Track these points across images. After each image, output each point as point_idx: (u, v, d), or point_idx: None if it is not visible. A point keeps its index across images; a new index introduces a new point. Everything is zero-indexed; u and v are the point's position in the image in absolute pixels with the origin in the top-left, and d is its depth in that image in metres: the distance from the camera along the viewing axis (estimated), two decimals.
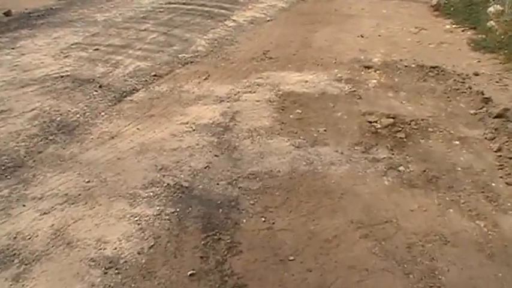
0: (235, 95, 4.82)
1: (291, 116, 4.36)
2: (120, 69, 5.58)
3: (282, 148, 3.85)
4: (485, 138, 4.09)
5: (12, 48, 6.38)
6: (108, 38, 6.79)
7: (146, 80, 5.27)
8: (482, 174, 3.59)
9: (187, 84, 5.12)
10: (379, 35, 7.00)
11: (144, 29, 7.24)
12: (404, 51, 6.25)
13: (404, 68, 5.62)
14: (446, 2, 8.78)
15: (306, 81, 5.10)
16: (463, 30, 7.33)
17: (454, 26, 7.57)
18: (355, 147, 3.90)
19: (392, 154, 3.82)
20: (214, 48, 6.43)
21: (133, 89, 5.05)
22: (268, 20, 7.93)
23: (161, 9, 8.47)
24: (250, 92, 4.87)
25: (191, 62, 5.84)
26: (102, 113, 4.56)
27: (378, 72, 5.45)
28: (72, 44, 6.54)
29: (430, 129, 4.21)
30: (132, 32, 7.08)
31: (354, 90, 4.90)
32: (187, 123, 4.28)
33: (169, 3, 9.00)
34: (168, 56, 6.07)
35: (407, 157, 3.79)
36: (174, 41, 6.66)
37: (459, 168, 3.66)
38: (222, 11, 8.43)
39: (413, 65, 5.69)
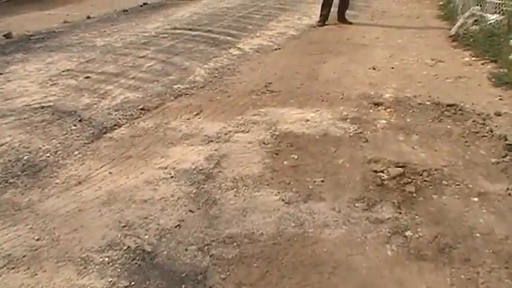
0: (226, 134, 4.22)
1: (285, 163, 3.74)
2: (107, 101, 5.03)
3: (269, 203, 3.23)
4: (509, 194, 3.41)
5: (1, 74, 5.85)
6: (103, 65, 6.25)
7: (132, 114, 4.70)
8: (505, 243, 2.93)
9: (176, 121, 4.53)
10: (393, 67, 6.38)
11: (142, 55, 6.71)
12: (419, 86, 5.61)
13: (418, 105, 4.99)
14: (465, 32, 8.14)
15: (307, 120, 4.50)
16: (483, 63, 6.69)
17: (473, 58, 6.94)
18: (356, 204, 3.27)
19: (399, 213, 3.19)
20: (213, 78, 5.85)
21: (116, 125, 4.48)
22: (276, 49, 7.36)
23: (165, 35, 7.95)
24: (243, 131, 4.27)
25: (185, 94, 5.26)
26: (76, 152, 3.98)
27: (388, 110, 4.82)
28: (63, 71, 6.02)
29: (444, 182, 3.57)
30: (130, 58, 6.55)
31: (360, 132, 4.28)
32: (166, 167, 3.68)
33: (175, 28, 8.50)
34: (161, 86, 5.51)
35: (417, 217, 3.16)
36: (171, 70, 6.10)
37: (478, 234, 3.02)
38: (228, 38, 7.89)
39: (428, 103, 5.06)
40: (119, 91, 5.34)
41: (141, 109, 4.84)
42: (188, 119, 4.60)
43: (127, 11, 10.62)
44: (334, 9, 9.33)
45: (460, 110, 4.91)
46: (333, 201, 3.31)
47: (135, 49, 7.09)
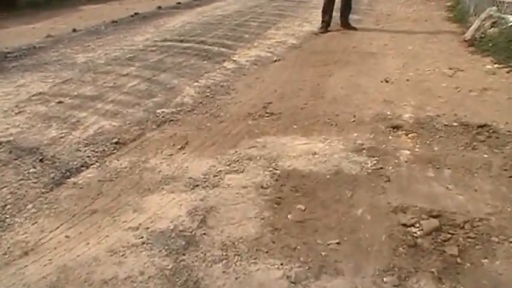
0: (215, 176, 3.32)
1: (289, 217, 2.84)
2: (77, 133, 4.15)
3: (269, 283, 2.29)
4: None
5: None
6: (80, 86, 5.37)
7: (104, 150, 3.81)
8: None
9: (156, 158, 3.64)
10: (408, 79, 5.47)
11: (126, 73, 5.81)
12: (441, 101, 4.71)
13: (444, 128, 4.10)
14: (483, 35, 7.22)
15: (315, 153, 3.60)
16: (508, 72, 5.80)
17: (496, 65, 6.03)
18: (384, 279, 2.38)
19: None
20: (204, 99, 4.95)
21: (83, 165, 3.61)
22: (275, 60, 6.45)
23: (153, 48, 7.06)
24: (236, 171, 3.38)
25: (170, 121, 4.37)
26: (29, 206, 3.11)
27: (410, 135, 3.93)
28: (34, 95, 5.15)
29: (494, 239, 2.69)
30: (111, 77, 5.66)
31: (380, 168, 3.38)
32: (137, 228, 2.80)
33: (165, 40, 7.61)
34: (143, 111, 4.61)
35: None
36: (156, 90, 5.20)
37: None
38: (223, 49, 6.99)
39: (455, 124, 4.17)
40: (93, 119, 4.45)
41: (116, 143, 3.96)
42: (170, 155, 3.69)
43: (116, 22, 9.75)
44: (336, 14, 8.41)
45: (494, 132, 4.03)
46: (354, 275, 2.41)
47: (118, 66, 6.19)
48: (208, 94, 5.16)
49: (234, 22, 9.35)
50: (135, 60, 6.51)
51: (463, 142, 3.86)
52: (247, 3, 12.32)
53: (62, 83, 5.57)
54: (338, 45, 7.29)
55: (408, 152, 3.66)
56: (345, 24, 8.52)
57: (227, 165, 3.50)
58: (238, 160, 3.57)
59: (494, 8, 7.40)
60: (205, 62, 6.39)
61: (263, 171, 3.39)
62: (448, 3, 11.05)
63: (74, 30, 8.96)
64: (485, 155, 3.65)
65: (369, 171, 3.40)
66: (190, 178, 3.36)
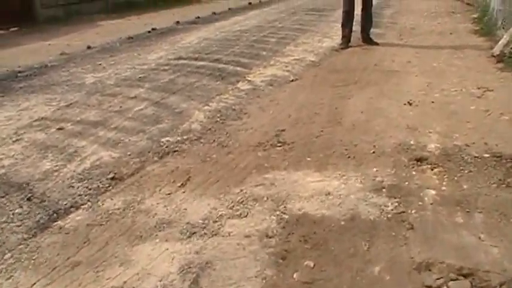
0: (215, 221, 2.92)
1: (295, 276, 2.44)
2: (73, 165, 3.78)
3: None
4: None
5: None
6: (84, 111, 5.03)
7: (98, 187, 3.44)
8: None
9: (153, 197, 3.25)
10: (432, 101, 5.01)
11: (134, 95, 5.45)
12: (469, 128, 4.24)
13: (473, 160, 3.64)
14: None
15: (328, 194, 3.16)
16: None
17: None
18: None
19: None
20: (213, 125, 4.57)
21: (73, 205, 3.24)
22: (292, 80, 6.04)
23: (166, 67, 6.71)
24: (239, 215, 2.98)
25: (174, 152, 3.98)
26: (7, 255, 2.77)
27: (436, 170, 3.49)
28: (35, 120, 4.84)
29: None
30: (118, 100, 5.31)
31: (402, 212, 2.94)
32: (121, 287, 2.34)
33: (179, 58, 7.25)
34: (147, 140, 4.24)
35: None
36: (164, 115, 4.83)
37: None
38: (238, 68, 6.59)
39: (486, 155, 3.70)
40: (93, 149, 4.09)
41: (112, 178, 3.57)
42: (169, 194, 3.30)
43: (132, 38, 9.45)
44: (357, 28, 7.94)
45: None
46: None
47: (127, 87, 5.84)
48: (218, 119, 4.76)
49: (252, 38, 8.96)
50: (145, 80, 6.14)
51: (496, 178, 3.38)
52: (266, 17, 11.95)
53: (66, 107, 5.23)
54: (359, 63, 6.84)
55: (434, 192, 3.21)
56: (367, 40, 8.07)
57: (230, 208, 3.08)
58: (242, 201, 3.15)
59: None
60: (218, 82, 5.99)
61: (269, 216, 2.96)
62: (474, 15, 10.52)
63: (89, 48, 8.67)
64: None
65: (389, 215, 2.95)
66: (188, 223, 2.96)
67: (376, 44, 8.06)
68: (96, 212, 3.19)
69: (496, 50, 6.88)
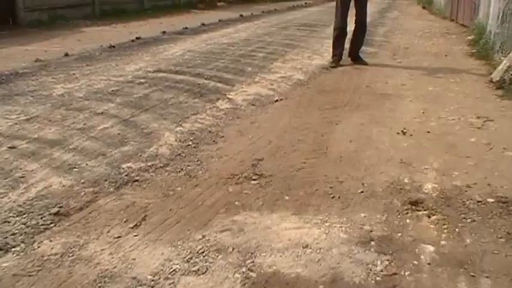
0: (166, 278, 2.37)
1: None
2: (15, 194, 3.22)
3: None
4: None
5: None
6: (44, 127, 4.46)
7: (37, 224, 2.87)
8: None
9: (99, 240, 2.69)
10: (428, 131, 4.49)
11: (102, 111, 4.87)
12: (470, 164, 3.72)
13: (476, 206, 3.11)
14: None
15: (306, 246, 2.62)
16: None
17: None
18: None
19: None
20: (184, 149, 4.00)
21: (3, 248, 2.62)
22: (276, 100, 5.49)
23: (142, 80, 6.13)
24: (197, 271, 2.41)
25: (134, 182, 3.40)
26: None
27: (433, 218, 2.97)
28: None
29: None
30: (84, 116, 4.73)
31: (393, 274, 2.36)
32: None
33: (159, 71, 6.69)
34: (106, 165, 3.66)
35: None
36: (130, 136, 4.25)
37: None
38: (219, 84, 6.03)
39: (490, 200, 3.18)
40: (43, 174, 3.51)
41: (56, 213, 2.97)
42: (119, 237, 2.72)
43: (114, 47, 8.86)
44: (347, 45, 7.43)
45: None
46: None
47: (96, 101, 5.25)
48: (190, 143, 4.20)
49: (239, 52, 8.41)
50: (118, 94, 5.57)
51: (504, 231, 2.84)
52: (256, 30, 11.43)
53: (26, 121, 4.64)
54: (349, 83, 6.31)
55: (432, 248, 2.65)
56: (355, 58, 7.51)
57: (187, 261, 2.51)
58: (203, 252, 2.58)
59: None
60: (196, 100, 5.43)
61: (233, 274, 2.38)
62: (469, 37, 10.04)
63: (66, 55, 8.10)
64: None
65: (378, 278, 2.39)
66: (134, 279, 2.38)
67: (365, 63, 7.52)
68: (29, 258, 2.60)
69: (496, 75, 6.37)
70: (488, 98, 5.82)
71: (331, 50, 7.60)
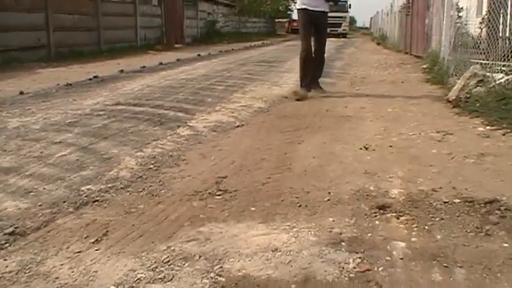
0: (131, 287, 2.13)
1: None
2: None
3: None
4: None
5: None
6: None
7: None
8: None
9: (57, 256, 2.55)
10: (391, 145, 4.49)
11: (59, 140, 4.74)
12: (434, 172, 3.73)
13: (443, 206, 3.11)
14: (468, 95, 6.35)
15: (276, 250, 2.52)
16: (504, 134, 4.87)
17: (488, 127, 5.15)
18: None
19: None
20: (145, 172, 3.88)
21: None
22: (238, 126, 5.44)
23: (101, 112, 6.02)
24: (162, 278, 2.30)
25: (94, 202, 3.27)
26: None
27: (402, 218, 2.93)
28: None
29: None
30: (40, 145, 4.58)
31: (367, 270, 2.28)
32: None
33: (117, 104, 6.58)
34: (64, 188, 3.51)
35: None
36: (89, 161, 4.12)
37: None
38: (180, 114, 5.97)
39: (456, 200, 3.18)
40: None
41: (11, 233, 2.80)
42: (79, 252, 2.58)
43: (71, 85, 8.73)
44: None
45: (507, 209, 3.12)
46: None
47: (54, 132, 5.12)
48: (151, 166, 4.09)
49: (198, 86, 8.41)
50: (76, 125, 5.44)
51: (472, 226, 2.84)
52: (215, 67, 11.49)
53: None
54: (309, 109, 6.35)
55: (403, 244, 2.61)
56: (316, 87, 7.57)
57: (152, 270, 2.38)
58: (169, 261, 2.46)
59: (478, 66, 6.55)
60: (156, 128, 5.33)
61: (201, 279, 2.28)
62: (424, 66, 10.32)
63: (21, 93, 7.91)
64: (505, 244, 2.64)
65: (351, 275, 2.32)
66: None
67: (325, 92, 7.60)
68: None
69: (452, 95, 6.52)
70: (446, 115, 5.92)
71: (291, 80, 7.62)
